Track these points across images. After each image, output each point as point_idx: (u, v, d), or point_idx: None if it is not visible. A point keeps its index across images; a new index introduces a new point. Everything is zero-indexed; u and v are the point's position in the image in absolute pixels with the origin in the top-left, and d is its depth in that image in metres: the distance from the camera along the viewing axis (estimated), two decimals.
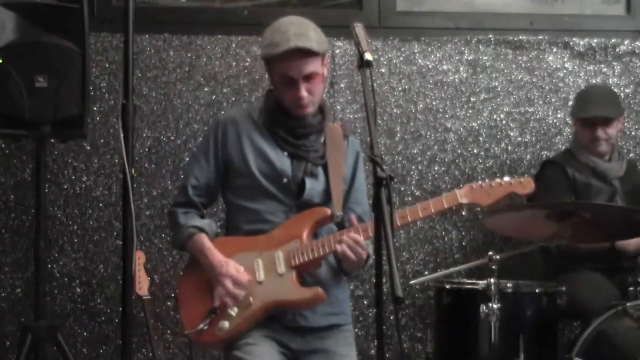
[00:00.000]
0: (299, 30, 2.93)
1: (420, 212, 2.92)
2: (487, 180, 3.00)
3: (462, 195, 2.94)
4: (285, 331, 2.95)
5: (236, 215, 3.07)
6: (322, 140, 3.06)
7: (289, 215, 2.98)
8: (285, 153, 3.01)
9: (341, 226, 3.01)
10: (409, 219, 2.92)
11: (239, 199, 3.05)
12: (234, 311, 2.90)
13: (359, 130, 4.34)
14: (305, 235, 2.93)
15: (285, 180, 2.99)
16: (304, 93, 2.93)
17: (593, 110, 4.02)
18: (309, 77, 2.94)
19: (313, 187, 2.99)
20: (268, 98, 3.11)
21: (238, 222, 3.06)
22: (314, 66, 2.93)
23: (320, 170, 3.02)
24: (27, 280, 4.15)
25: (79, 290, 4.22)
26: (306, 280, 2.94)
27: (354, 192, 3.11)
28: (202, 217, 3.11)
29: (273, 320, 2.94)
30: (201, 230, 3.01)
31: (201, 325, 2.90)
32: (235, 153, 3.03)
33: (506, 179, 2.99)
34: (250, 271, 2.94)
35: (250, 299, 2.90)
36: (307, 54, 2.90)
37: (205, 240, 3.00)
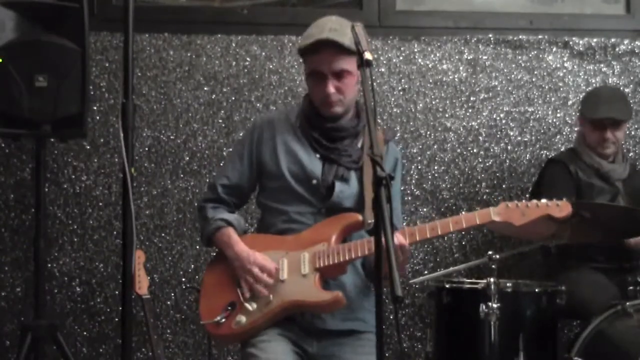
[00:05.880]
0: (336, 26, 2.89)
1: (452, 225, 2.85)
2: (523, 201, 2.92)
3: (495, 213, 2.86)
4: (302, 333, 2.92)
5: (267, 217, 3.07)
6: (359, 144, 3.03)
7: (318, 217, 2.95)
8: (318, 155, 2.99)
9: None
10: (439, 232, 2.86)
11: (269, 201, 3.04)
12: (252, 306, 2.88)
13: None
14: (334, 239, 2.89)
15: (314, 182, 2.96)
16: (331, 89, 2.90)
17: (605, 112, 3.99)
18: (339, 75, 2.90)
19: (342, 190, 2.96)
20: (305, 100, 3.09)
21: (268, 223, 3.05)
22: (345, 64, 2.88)
23: (353, 175, 2.98)
24: (27, 279, 4.15)
25: (78, 289, 4.22)
26: (329, 284, 2.91)
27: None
28: (231, 210, 3.10)
29: (290, 322, 2.91)
30: (229, 223, 3.00)
31: (218, 318, 2.90)
32: (269, 155, 3.02)
33: (543, 200, 2.90)
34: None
35: (271, 296, 2.87)
36: (340, 50, 2.85)
37: (232, 233, 2.99)
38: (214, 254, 3.14)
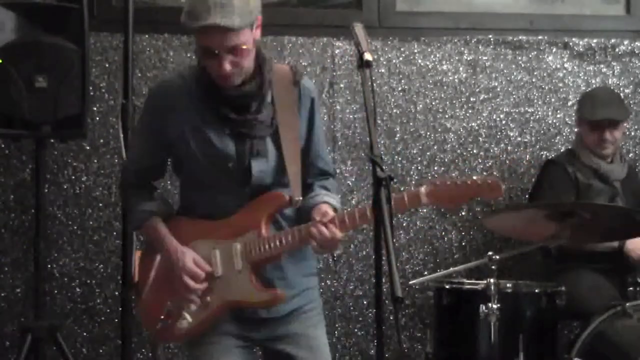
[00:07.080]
0: (223, 0, 2.62)
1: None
2: (452, 179, 2.70)
3: (424, 195, 2.64)
4: (247, 323, 2.79)
5: (189, 197, 2.88)
6: (268, 99, 2.76)
7: (243, 200, 2.75)
8: (227, 132, 2.74)
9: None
10: (369, 217, 2.57)
11: (188, 182, 2.86)
12: (191, 310, 2.75)
13: (358, 130, 4.35)
14: (263, 225, 2.72)
15: (230, 164, 2.74)
16: (227, 67, 2.65)
17: (602, 113, 4.00)
18: (234, 50, 2.65)
19: (261, 169, 2.75)
20: (201, 69, 2.77)
21: (192, 201, 2.86)
22: (238, 39, 2.63)
23: (269, 144, 2.76)
24: (26, 280, 4.15)
25: (78, 290, 4.22)
26: (264, 268, 2.75)
27: (314, 146, 2.84)
28: (153, 193, 2.91)
29: (233, 314, 2.77)
30: (152, 213, 2.83)
31: (159, 325, 2.77)
32: (174, 130, 2.75)
33: (474, 178, 2.67)
34: (207, 263, 2.75)
35: (208, 298, 2.74)
36: (230, 29, 2.61)
37: (158, 225, 2.81)
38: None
